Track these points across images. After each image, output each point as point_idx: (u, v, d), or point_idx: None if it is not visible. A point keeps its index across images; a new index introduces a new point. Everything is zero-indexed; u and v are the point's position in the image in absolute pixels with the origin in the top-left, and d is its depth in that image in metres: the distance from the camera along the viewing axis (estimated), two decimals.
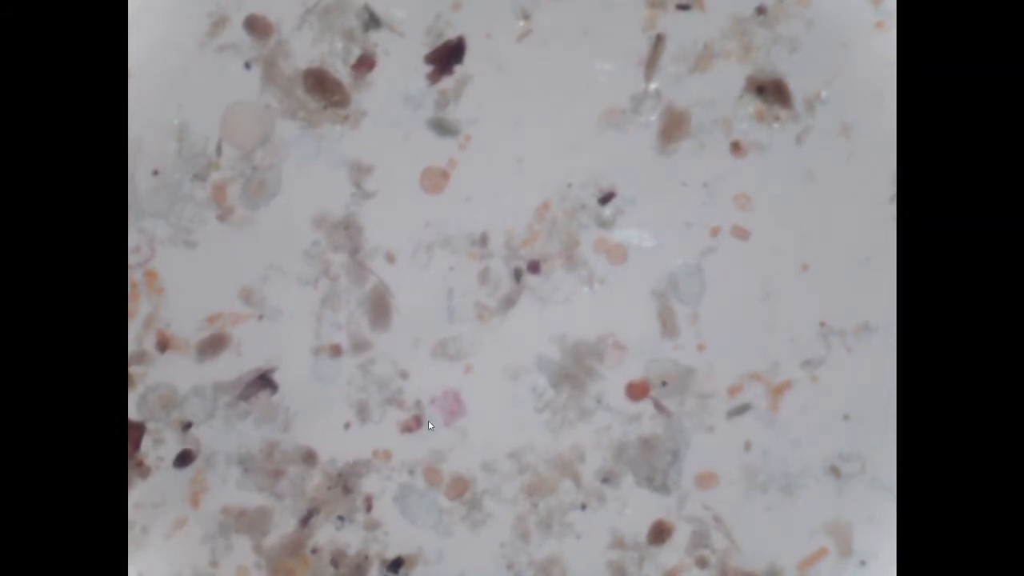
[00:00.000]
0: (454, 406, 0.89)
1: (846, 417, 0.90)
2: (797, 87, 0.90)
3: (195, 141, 0.89)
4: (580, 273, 0.90)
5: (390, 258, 0.90)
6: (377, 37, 0.90)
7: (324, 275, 0.89)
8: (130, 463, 0.89)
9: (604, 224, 0.90)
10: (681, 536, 0.90)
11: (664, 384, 0.90)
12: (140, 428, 0.89)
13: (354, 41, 0.90)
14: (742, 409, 0.90)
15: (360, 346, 0.89)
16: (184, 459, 0.89)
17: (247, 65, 0.89)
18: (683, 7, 0.90)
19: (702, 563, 0.89)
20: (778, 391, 0.90)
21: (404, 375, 0.89)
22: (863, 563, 0.89)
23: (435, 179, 0.90)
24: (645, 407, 0.90)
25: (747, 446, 0.90)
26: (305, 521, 0.89)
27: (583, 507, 0.90)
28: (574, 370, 0.89)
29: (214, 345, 0.89)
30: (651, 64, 0.90)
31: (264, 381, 0.89)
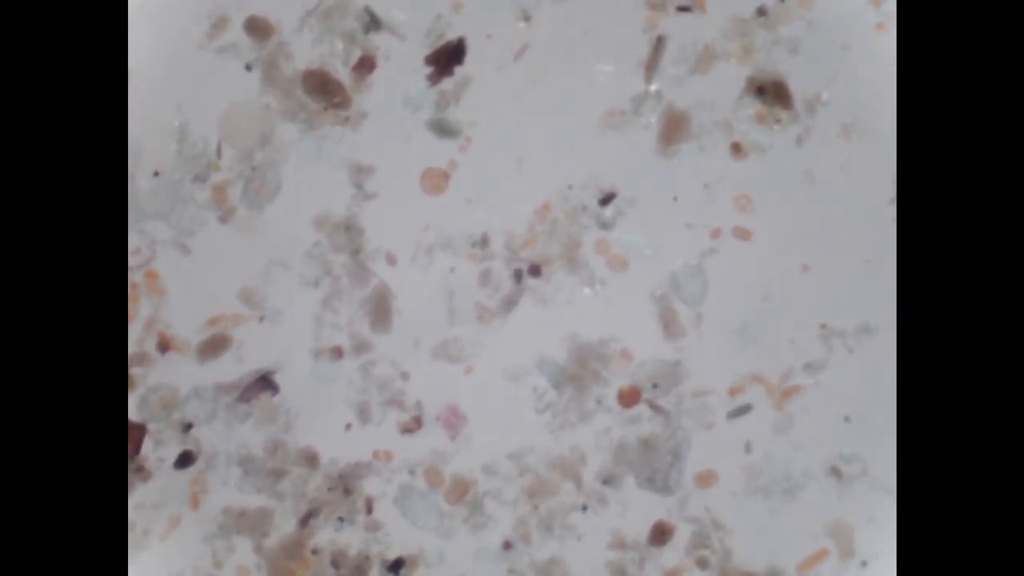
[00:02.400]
0: (454, 419, 0.89)
1: (847, 419, 0.90)
2: (798, 88, 0.90)
3: (195, 142, 0.89)
4: (581, 274, 0.90)
5: (391, 259, 0.90)
6: (377, 39, 0.90)
7: (326, 276, 0.89)
8: (131, 465, 0.88)
9: (605, 226, 0.90)
10: (681, 537, 0.90)
11: (655, 386, 0.90)
12: (141, 429, 0.89)
13: (354, 43, 0.90)
14: (743, 410, 0.90)
15: (361, 347, 0.89)
16: (185, 460, 0.89)
17: (247, 67, 0.89)
18: (683, 8, 0.90)
19: (703, 564, 0.89)
20: (779, 393, 0.90)
21: (405, 376, 0.89)
22: (864, 564, 0.89)
23: (436, 180, 0.90)
24: (643, 409, 0.90)
25: (748, 447, 0.90)
26: (305, 522, 0.89)
27: (584, 508, 0.90)
28: (577, 372, 0.89)
29: (215, 346, 0.89)
30: (651, 65, 0.90)
31: (265, 382, 0.89)
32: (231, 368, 0.89)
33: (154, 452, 0.89)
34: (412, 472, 0.89)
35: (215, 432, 0.89)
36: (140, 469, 0.89)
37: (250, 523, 0.89)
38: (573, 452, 0.90)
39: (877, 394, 0.89)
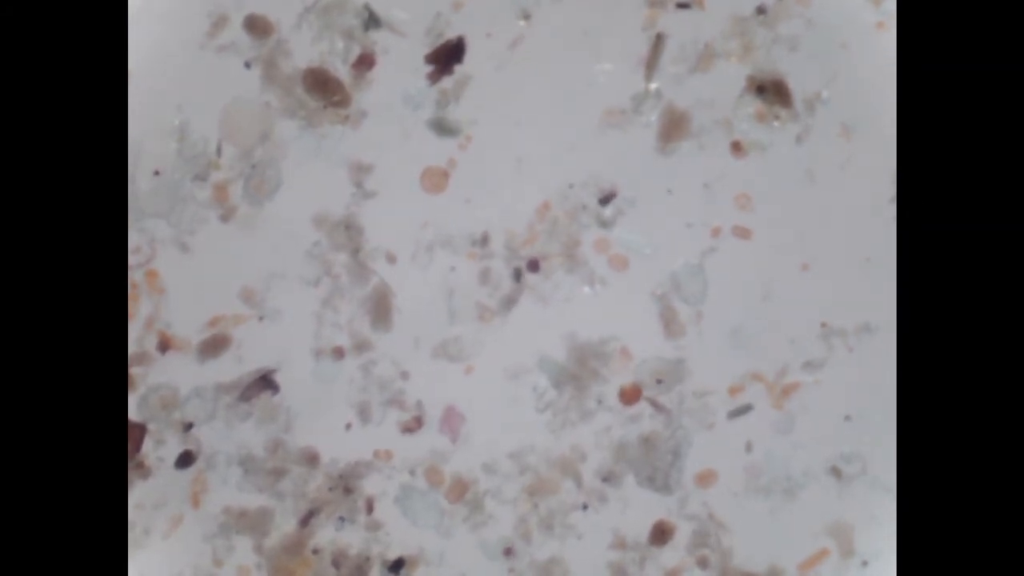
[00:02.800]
0: (456, 422, 0.89)
1: (847, 418, 0.90)
2: (797, 87, 0.90)
3: (195, 141, 0.89)
4: (581, 273, 0.90)
5: (391, 258, 0.89)
6: (377, 36, 0.90)
7: (325, 275, 0.89)
8: (131, 464, 0.88)
9: (605, 224, 0.90)
10: (682, 536, 0.90)
11: (659, 382, 0.90)
12: (141, 429, 0.89)
13: (354, 40, 0.90)
14: (743, 410, 0.90)
15: (361, 346, 0.89)
16: (185, 460, 0.89)
17: (247, 65, 0.89)
18: (683, 6, 0.90)
19: (703, 563, 0.89)
20: (779, 391, 0.90)
21: (405, 376, 0.89)
22: (865, 564, 0.89)
23: (435, 179, 0.90)
24: (645, 407, 0.90)
25: (748, 447, 0.90)
26: (306, 522, 0.89)
27: (584, 507, 0.90)
28: (577, 370, 0.89)
29: (215, 346, 0.89)
30: (651, 64, 0.90)
31: (265, 382, 0.89)
32: (231, 367, 0.89)
33: (154, 451, 0.89)
34: (412, 472, 0.89)
35: (215, 431, 0.89)
36: (141, 468, 0.89)
37: (250, 522, 0.89)
38: (573, 451, 0.90)
39: (877, 393, 0.89)
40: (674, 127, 0.90)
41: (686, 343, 0.90)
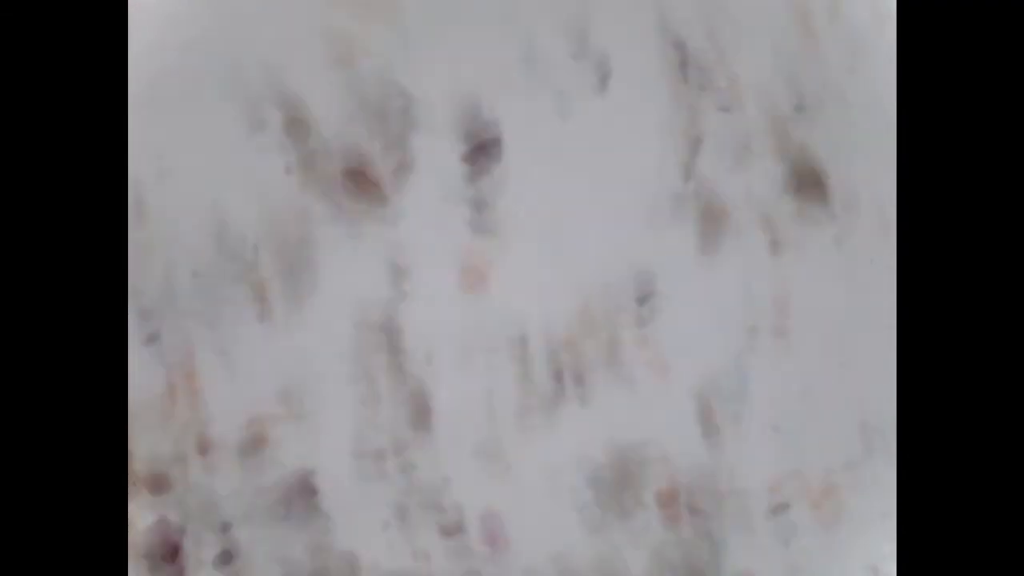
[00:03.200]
0: (495, 525, 0.89)
1: (884, 515, 0.90)
2: (836, 186, 0.90)
3: (234, 241, 0.89)
4: (620, 373, 0.90)
5: (429, 359, 0.89)
6: (416, 137, 0.89)
7: (364, 377, 0.89)
8: (170, 567, 0.88)
9: (643, 323, 0.90)
10: None
11: (694, 486, 0.90)
12: (180, 531, 0.88)
13: (392, 140, 0.89)
14: (782, 508, 0.90)
15: (400, 449, 0.89)
16: (224, 560, 0.89)
17: (287, 169, 0.89)
18: (724, 110, 0.90)
19: None
20: (819, 491, 0.90)
21: (444, 478, 0.89)
22: None
23: (474, 279, 0.89)
24: (682, 509, 0.90)
25: (787, 546, 0.90)
26: None
27: None
28: (616, 472, 0.89)
29: (254, 447, 0.89)
30: (690, 162, 0.90)
31: (304, 484, 0.89)
32: (269, 469, 0.89)
33: (194, 553, 0.89)
34: None
35: (254, 533, 0.89)
36: (180, 572, 0.88)
37: None
38: (614, 553, 0.89)
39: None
40: (713, 225, 0.90)
41: (724, 442, 0.90)
